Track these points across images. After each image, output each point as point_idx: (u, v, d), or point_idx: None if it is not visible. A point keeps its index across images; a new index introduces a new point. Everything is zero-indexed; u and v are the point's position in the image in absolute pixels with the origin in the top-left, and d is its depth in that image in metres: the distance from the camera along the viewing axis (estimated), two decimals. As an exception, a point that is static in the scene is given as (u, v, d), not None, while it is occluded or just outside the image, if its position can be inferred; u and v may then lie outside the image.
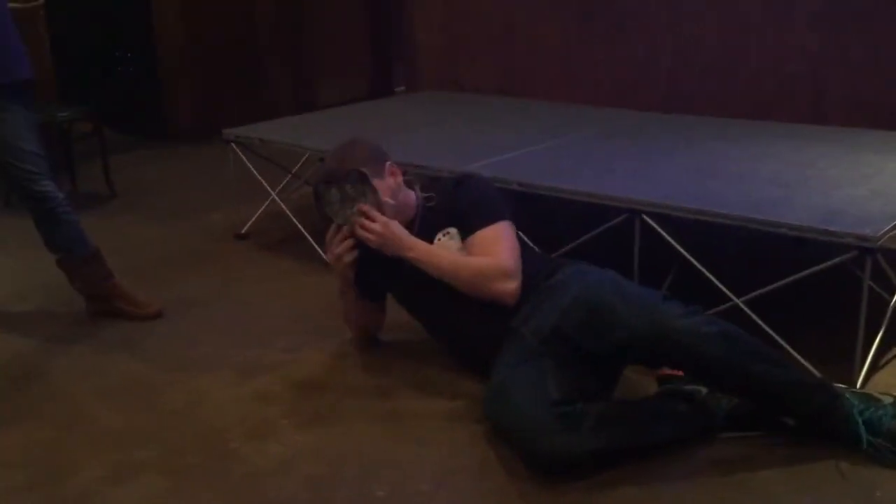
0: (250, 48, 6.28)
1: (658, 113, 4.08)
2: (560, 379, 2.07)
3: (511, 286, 2.32)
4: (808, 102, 4.18)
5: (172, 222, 4.16)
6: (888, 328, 2.52)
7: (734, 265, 2.86)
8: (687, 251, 2.58)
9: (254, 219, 3.89)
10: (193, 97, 6.02)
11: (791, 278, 2.42)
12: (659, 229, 2.60)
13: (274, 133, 3.85)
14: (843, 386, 2.25)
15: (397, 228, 2.40)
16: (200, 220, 4.16)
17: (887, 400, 2.13)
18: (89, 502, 2.01)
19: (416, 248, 2.40)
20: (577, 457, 1.98)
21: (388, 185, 2.46)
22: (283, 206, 3.73)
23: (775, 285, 2.44)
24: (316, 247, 3.43)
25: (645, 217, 2.61)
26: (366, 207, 2.39)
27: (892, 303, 2.61)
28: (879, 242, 2.27)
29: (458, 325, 2.43)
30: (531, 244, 2.67)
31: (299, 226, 3.64)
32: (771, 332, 2.43)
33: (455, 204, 2.48)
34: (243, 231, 3.88)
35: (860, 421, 2.04)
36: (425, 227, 2.49)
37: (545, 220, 3.27)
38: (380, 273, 2.53)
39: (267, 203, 3.83)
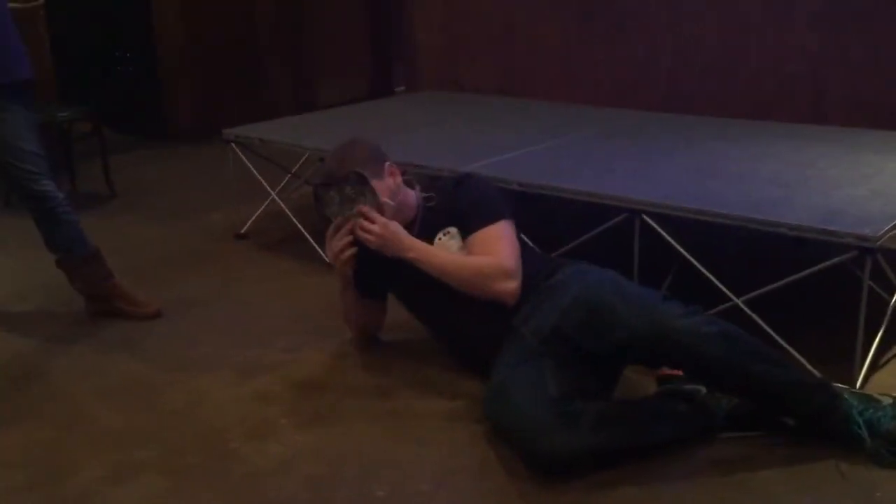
0: (250, 48, 6.28)
1: (658, 113, 4.08)
2: (560, 379, 2.08)
3: (511, 286, 2.32)
4: (808, 102, 4.18)
5: (172, 222, 4.16)
6: (888, 328, 2.52)
7: (734, 265, 2.85)
8: (687, 251, 2.58)
9: (254, 219, 3.89)
10: (193, 97, 6.02)
11: (791, 278, 2.42)
12: (659, 229, 2.60)
13: (274, 133, 3.85)
14: (842, 386, 2.25)
15: (396, 229, 2.40)
16: (200, 220, 4.16)
17: (886, 401, 2.13)
18: (89, 502, 2.01)
19: (415, 248, 2.40)
20: (576, 455, 1.98)
21: (388, 185, 2.46)
22: (283, 206, 3.73)
23: (775, 285, 2.44)
24: (316, 247, 3.43)
25: (645, 217, 2.61)
26: (365, 209, 2.38)
27: (891, 303, 2.61)
28: (879, 242, 2.27)
29: (459, 325, 2.43)
30: (531, 244, 2.67)
31: (299, 226, 3.63)
32: (771, 332, 2.43)
33: (455, 204, 2.48)
34: (243, 231, 3.88)
35: (860, 421, 2.04)
36: (426, 227, 2.49)
37: (545, 220, 3.26)
38: (380, 273, 2.53)
39: (267, 203, 3.83)
